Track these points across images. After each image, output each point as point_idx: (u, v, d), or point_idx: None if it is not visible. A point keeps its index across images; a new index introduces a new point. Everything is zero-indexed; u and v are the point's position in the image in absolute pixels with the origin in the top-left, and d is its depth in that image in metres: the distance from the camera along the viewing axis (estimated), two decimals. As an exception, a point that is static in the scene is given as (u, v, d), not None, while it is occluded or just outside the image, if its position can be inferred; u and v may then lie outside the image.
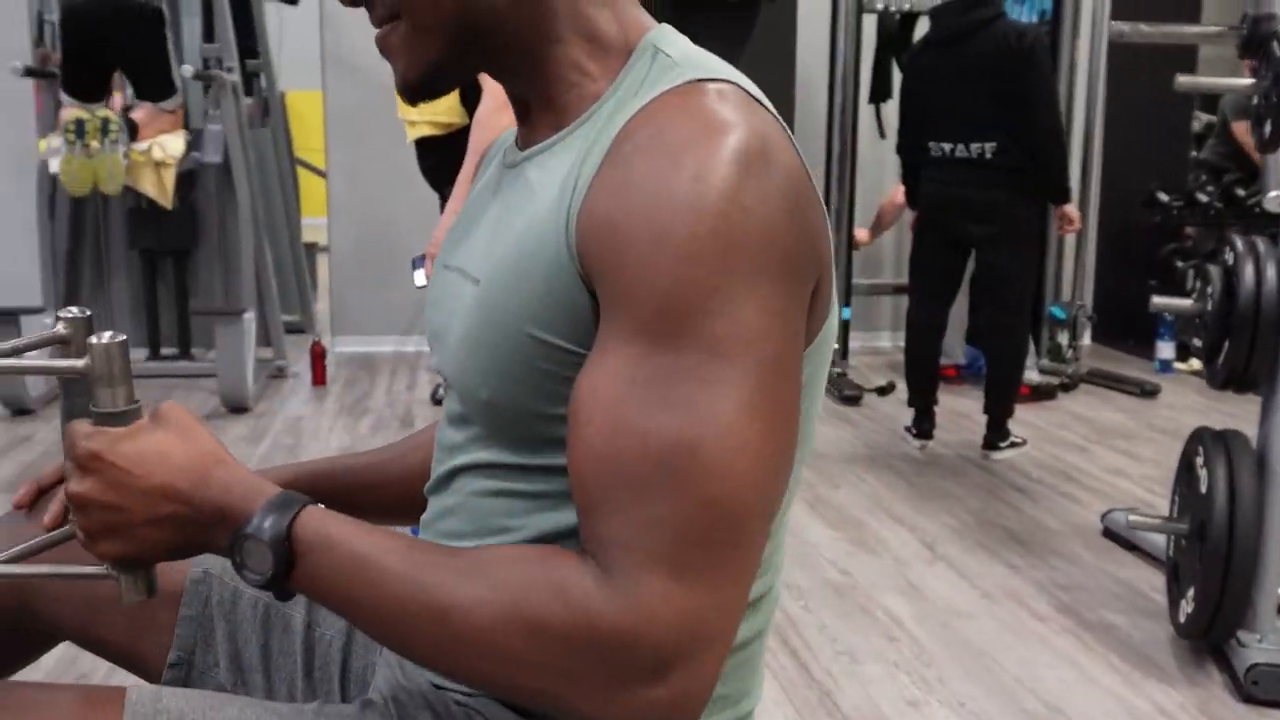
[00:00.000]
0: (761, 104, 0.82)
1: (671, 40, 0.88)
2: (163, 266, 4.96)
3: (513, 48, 0.86)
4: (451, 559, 0.76)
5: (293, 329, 5.64)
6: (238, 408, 4.42)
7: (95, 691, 0.87)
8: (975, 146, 3.79)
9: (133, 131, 4.20)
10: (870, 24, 5.38)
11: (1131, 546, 3.10)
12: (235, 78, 4.62)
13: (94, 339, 0.78)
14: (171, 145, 4.30)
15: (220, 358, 4.37)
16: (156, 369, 4.96)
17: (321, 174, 5.84)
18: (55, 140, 4.14)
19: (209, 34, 4.82)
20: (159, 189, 4.30)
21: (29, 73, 4.04)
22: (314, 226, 6.50)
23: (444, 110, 2.58)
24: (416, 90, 0.88)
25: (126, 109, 4.48)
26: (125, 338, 0.80)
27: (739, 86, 0.82)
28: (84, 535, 0.78)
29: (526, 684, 0.74)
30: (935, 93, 3.88)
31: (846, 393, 4.79)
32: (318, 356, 4.94)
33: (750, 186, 0.75)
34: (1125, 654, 2.49)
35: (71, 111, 4.19)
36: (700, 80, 0.81)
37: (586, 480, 0.75)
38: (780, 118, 0.83)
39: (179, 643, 1.05)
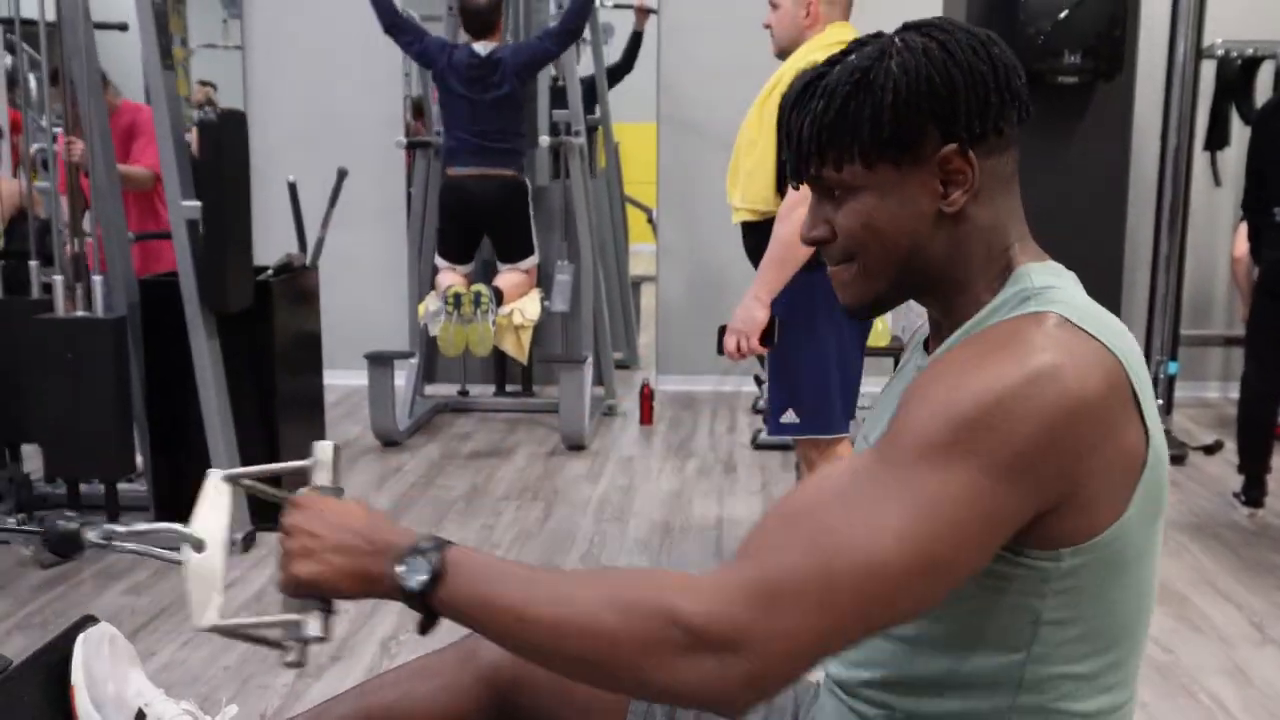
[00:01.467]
0: (1088, 332, 1.00)
1: (1040, 274, 1.09)
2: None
3: (942, 283, 1.10)
4: (574, 573, 1.01)
5: (620, 365, 6.05)
6: (576, 445, 4.85)
7: None
8: (1324, 216, 3.69)
9: (499, 299, 4.69)
10: (1209, 69, 5.22)
11: None
12: (582, 140, 5.04)
13: (317, 444, 1.16)
14: (529, 310, 4.80)
15: (563, 401, 4.82)
16: (503, 404, 5.48)
17: (649, 214, 6.23)
18: (434, 304, 4.69)
19: (559, 100, 5.26)
20: (517, 348, 4.83)
21: (410, 145, 4.58)
22: (638, 254, 6.90)
23: (761, 200, 2.82)
24: (856, 315, 1.14)
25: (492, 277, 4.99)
26: (338, 445, 1.18)
27: (1066, 320, 1.00)
28: (284, 557, 1.08)
29: (614, 656, 0.92)
30: None
31: (1170, 451, 4.67)
32: (646, 398, 5.31)
33: (1023, 395, 0.93)
34: None
35: (447, 278, 4.78)
36: (1040, 312, 1.01)
37: (763, 524, 0.98)
38: (1112, 345, 0.99)
39: None
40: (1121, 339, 1.02)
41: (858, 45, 1.10)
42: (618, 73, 6.11)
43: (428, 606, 1.01)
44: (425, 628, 1.03)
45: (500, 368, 5.51)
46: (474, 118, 4.66)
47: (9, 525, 3.66)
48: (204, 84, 6.51)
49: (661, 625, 0.91)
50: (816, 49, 2.71)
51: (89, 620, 1.47)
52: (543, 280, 5.08)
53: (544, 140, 4.84)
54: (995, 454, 0.92)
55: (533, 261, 4.93)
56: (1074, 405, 0.94)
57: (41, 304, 3.68)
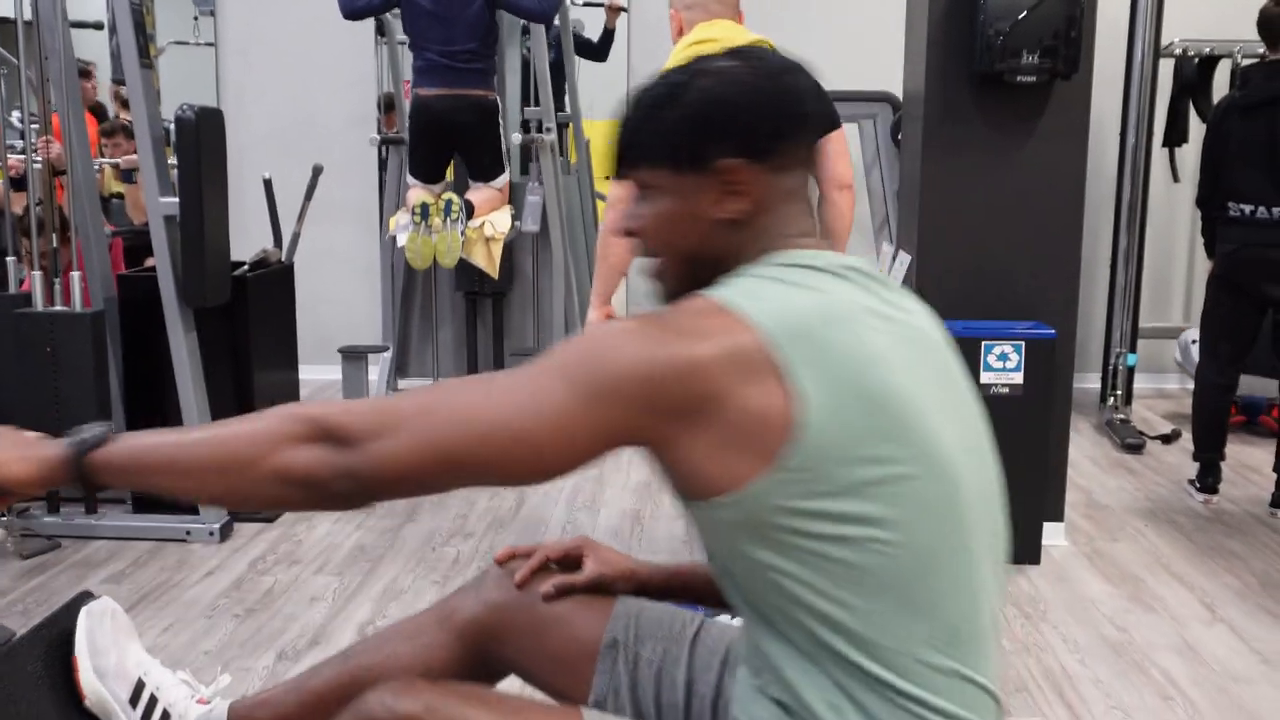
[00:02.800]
0: (731, 311, 1.10)
1: (768, 270, 1.19)
2: (482, 307, 5.53)
3: (721, 279, 1.19)
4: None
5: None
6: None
7: (562, 706, 1.21)
8: (1278, 210, 3.81)
9: (470, 212, 4.75)
10: (1166, 68, 5.35)
11: None
12: (553, 137, 5.11)
13: None
14: (500, 222, 4.85)
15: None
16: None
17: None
18: (403, 218, 4.73)
19: (528, 97, 5.33)
20: (488, 261, 4.85)
21: (383, 142, 4.63)
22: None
23: None
24: (663, 302, 1.27)
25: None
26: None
27: (714, 301, 1.12)
28: None
29: (250, 448, 1.11)
30: (1239, 153, 3.91)
31: (1129, 440, 4.81)
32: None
33: (631, 347, 1.08)
34: None
35: (417, 195, 4.79)
36: (700, 295, 1.15)
37: None
38: (761, 323, 1.09)
39: (596, 692, 1.41)
40: (786, 319, 1.10)
41: (695, 61, 1.25)
42: (586, 49, 6.17)
43: (94, 464, 1.16)
44: (89, 487, 1.18)
45: (471, 360, 5.57)
46: (442, 36, 4.66)
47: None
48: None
49: (294, 421, 1.11)
50: (677, 53, 2.86)
51: (89, 595, 1.54)
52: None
53: (515, 138, 4.91)
54: (589, 382, 1.08)
55: (504, 179, 4.96)
56: (677, 363, 1.07)
57: (21, 299, 3.73)
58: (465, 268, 5.08)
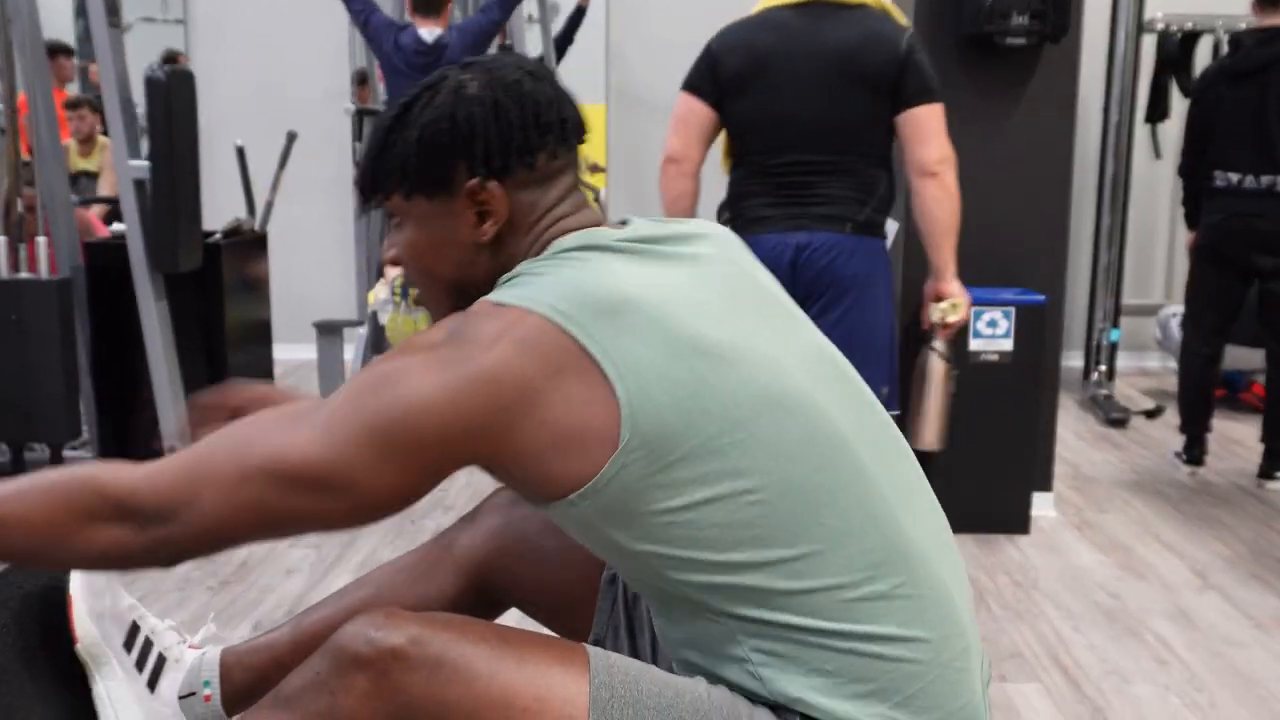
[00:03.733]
0: (514, 306, 1.05)
1: (537, 264, 1.12)
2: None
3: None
4: (33, 478, 1.08)
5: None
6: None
7: (563, 641, 1.15)
8: (1266, 179, 3.77)
9: None
10: (1149, 44, 5.32)
11: None
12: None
13: None
14: None
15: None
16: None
17: (596, 194, 6.23)
18: (383, 292, 4.63)
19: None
20: None
21: (358, 113, 4.54)
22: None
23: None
24: None
25: None
26: None
27: (490, 302, 1.07)
28: None
29: (49, 532, 1.04)
30: (1227, 121, 3.87)
31: (1113, 415, 4.79)
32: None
33: (426, 371, 1.03)
34: None
35: (399, 270, 4.66)
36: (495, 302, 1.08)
37: None
38: (544, 312, 1.04)
39: (595, 630, 1.35)
40: (571, 296, 1.05)
41: (431, 79, 1.18)
42: (559, 44, 6.10)
43: None
44: None
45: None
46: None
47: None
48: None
49: (92, 497, 1.03)
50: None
51: None
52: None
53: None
54: (391, 431, 1.02)
55: None
56: (476, 379, 1.01)
57: (-15, 267, 3.62)
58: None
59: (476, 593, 1.40)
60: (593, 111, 6.59)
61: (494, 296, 1.07)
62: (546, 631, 1.37)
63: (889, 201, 2.68)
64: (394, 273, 4.65)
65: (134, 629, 1.40)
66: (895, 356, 2.72)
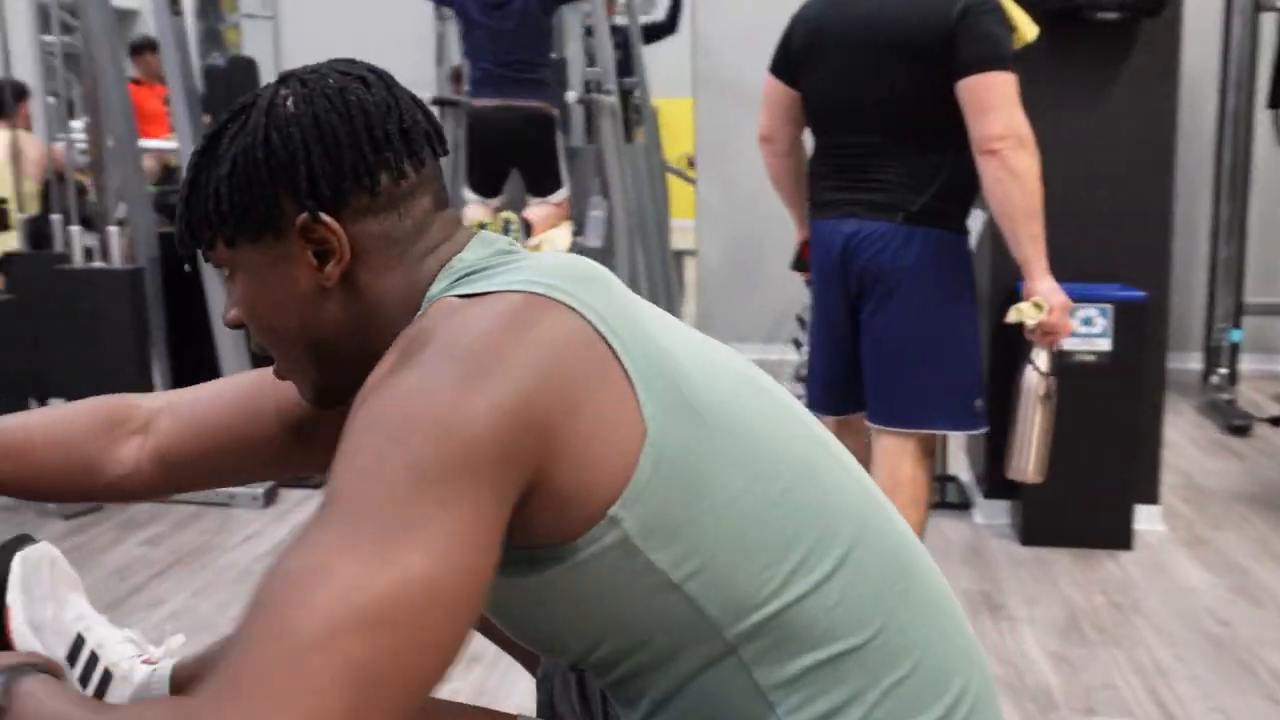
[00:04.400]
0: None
1: (462, 263, 0.95)
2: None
3: (368, 363, 0.91)
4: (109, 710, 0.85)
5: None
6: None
7: (498, 714, 0.99)
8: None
9: (528, 229, 4.58)
10: (1269, 22, 4.97)
11: None
12: (613, 99, 4.90)
13: None
14: (560, 239, 4.68)
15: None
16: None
17: (691, 181, 6.09)
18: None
19: (591, 59, 5.15)
20: None
21: (437, 102, 4.48)
22: (682, 229, 6.78)
23: None
24: (317, 404, 1.03)
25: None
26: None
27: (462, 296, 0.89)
28: None
29: None
30: None
31: (1235, 422, 4.47)
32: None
33: (450, 390, 0.81)
34: None
35: (474, 212, 4.66)
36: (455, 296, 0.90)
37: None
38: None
39: (544, 667, 1.20)
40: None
41: (237, 103, 0.99)
42: (660, 30, 5.98)
43: None
44: None
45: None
46: (495, 48, 4.51)
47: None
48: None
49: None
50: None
51: (26, 539, 1.35)
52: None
53: (571, 95, 4.70)
54: (444, 476, 0.79)
55: (563, 194, 4.79)
56: (505, 402, 0.82)
57: (62, 257, 3.64)
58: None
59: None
60: (680, 106, 6.47)
61: (459, 290, 0.91)
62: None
63: (959, 190, 2.38)
64: (471, 216, 4.57)
65: (79, 641, 1.29)
66: (975, 366, 2.48)
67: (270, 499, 3.59)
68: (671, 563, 0.86)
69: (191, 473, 1.22)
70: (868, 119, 2.36)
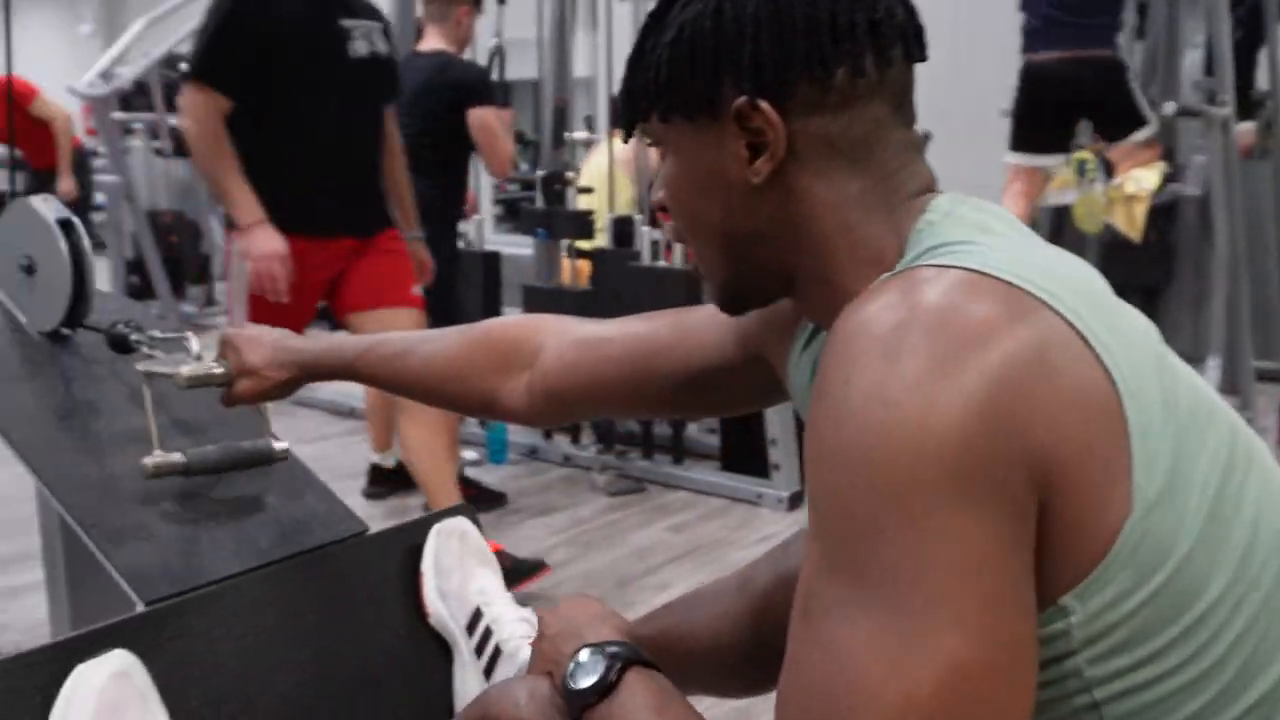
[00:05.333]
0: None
1: (940, 229, 0.81)
2: (1130, 302, 4.92)
3: (793, 274, 0.88)
4: None
5: (1268, 375, 5.18)
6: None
7: None
8: None
9: (1109, 169, 4.25)
10: None
11: None
12: (1227, 111, 4.38)
13: None
14: (1145, 179, 4.27)
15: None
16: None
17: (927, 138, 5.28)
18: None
19: (1209, 67, 4.65)
20: (1128, 222, 4.30)
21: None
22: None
23: None
24: (723, 309, 0.97)
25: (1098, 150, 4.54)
26: None
27: (965, 269, 0.73)
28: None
29: None
30: None
31: None
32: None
33: (928, 392, 0.67)
34: None
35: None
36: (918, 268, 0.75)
37: None
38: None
39: None
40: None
41: None
42: None
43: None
44: None
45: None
46: None
47: (585, 455, 4.02)
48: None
49: None
50: None
51: (448, 512, 1.52)
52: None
53: (1168, 107, 4.24)
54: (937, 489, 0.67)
55: (1147, 132, 4.29)
56: (978, 394, 0.68)
57: (635, 255, 3.99)
58: (1109, 255, 4.56)
59: (762, 636, 1.18)
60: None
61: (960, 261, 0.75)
62: None
63: None
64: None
65: (477, 614, 1.41)
66: None
67: (795, 502, 3.67)
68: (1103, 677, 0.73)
69: (588, 408, 1.25)
70: None
